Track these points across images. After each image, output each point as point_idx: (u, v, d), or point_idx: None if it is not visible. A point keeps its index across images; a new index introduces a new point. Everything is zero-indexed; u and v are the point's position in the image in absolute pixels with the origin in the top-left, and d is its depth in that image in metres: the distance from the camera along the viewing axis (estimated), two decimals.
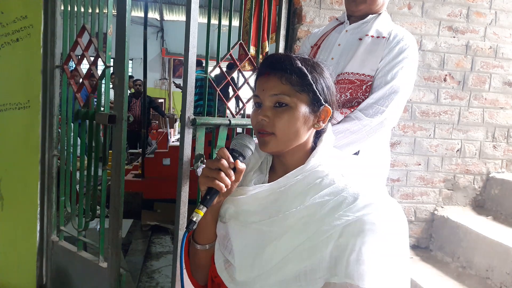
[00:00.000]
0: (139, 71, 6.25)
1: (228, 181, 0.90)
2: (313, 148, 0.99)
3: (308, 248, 0.85)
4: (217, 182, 0.89)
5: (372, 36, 1.59)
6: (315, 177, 0.92)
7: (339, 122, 1.53)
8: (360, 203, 0.85)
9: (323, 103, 0.95)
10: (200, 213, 0.89)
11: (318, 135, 1.01)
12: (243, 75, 2.34)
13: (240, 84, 2.31)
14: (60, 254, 2.28)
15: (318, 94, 0.94)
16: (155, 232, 4.22)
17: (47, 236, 2.29)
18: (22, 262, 2.28)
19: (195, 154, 2.16)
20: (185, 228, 0.92)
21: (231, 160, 0.91)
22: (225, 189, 0.90)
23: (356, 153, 1.57)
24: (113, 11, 2.04)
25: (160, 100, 8.83)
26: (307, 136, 0.97)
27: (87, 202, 2.14)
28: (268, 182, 1.01)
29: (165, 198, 4.60)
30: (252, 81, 2.34)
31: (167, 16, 11.46)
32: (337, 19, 1.76)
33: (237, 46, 2.27)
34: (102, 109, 1.97)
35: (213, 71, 2.24)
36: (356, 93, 1.57)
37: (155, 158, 4.80)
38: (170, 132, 6.47)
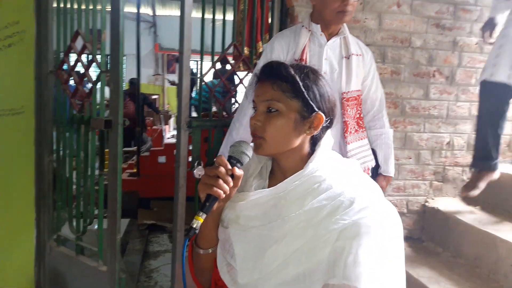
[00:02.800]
0: (132, 67, 6.16)
1: (226, 188, 0.93)
2: (311, 153, 1.02)
3: (306, 251, 0.89)
4: (215, 189, 0.91)
5: (357, 55, 1.81)
6: (313, 182, 0.96)
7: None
8: (356, 207, 0.89)
9: (315, 109, 0.98)
10: (200, 220, 0.92)
11: (315, 141, 1.04)
12: (237, 76, 2.36)
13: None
14: (58, 259, 2.29)
15: (309, 101, 0.97)
16: (152, 231, 4.20)
17: (45, 241, 2.30)
18: (20, 268, 2.28)
19: (191, 155, 2.19)
20: (184, 235, 0.95)
21: (229, 167, 0.93)
22: (224, 196, 0.93)
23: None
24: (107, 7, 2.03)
25: (154, 97, 8.77)
26: (299, 141, 1.00)
27: (84, 206, 2.15)
28: (268, 187, 1.04)
29: (162, 196, 4.57)
30: (246, 81, 2.37)
31: (160, 11, 11.31)
32: (304, 26, 1.78)
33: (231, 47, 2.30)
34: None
35: (211, 67, 2.25)
36: (359, 107, 1.85)
37: (150, 156, 4.79)
38: (164, 129, 6.44)
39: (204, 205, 0.93)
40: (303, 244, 0.90)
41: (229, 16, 2.22)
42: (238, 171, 0.95)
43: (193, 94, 8.10)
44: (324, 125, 1.00)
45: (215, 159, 0.96)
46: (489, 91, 2.31)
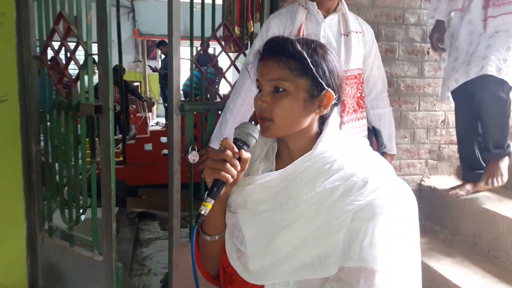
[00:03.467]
0: (114, 54, 6.01)
1: (234, 172, 0.89)
2: (319, 133, 0.99)
3: (321, 234, 0.86)
4: (223, 173, 0.88)
5: (356, 32, 1.76)
6: (324, 162, 0.92)
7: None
8: (370, 187, 0.86)
9: (325, 87, 0.93)
10: (208, 206, 0.89)
11: (323, 120, 1.00)
12: (229, 57, 2.29)
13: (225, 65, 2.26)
14: (51, 250, 2.23)
15: (319, 79, 0.92)
16: (142, 218, 4.17)
17: (36, 233, 2.23)
18: (12, 262, 2.22)
19: (185, 140, 2.13)
20: (194, 221, 0.91)
21: (236, 150, 0.89)
22: (232, 180, 0.89)
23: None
24: None
25: (135, 84, 8.61)
26: (309, 121, 0.96)
27: (76, 196, 2.08)
28: (275, 170, 1.00)
29: (149, 184, 4.55)
30: (239, 64, 2.30)
31: None
32: (300, 4, 1.74)
33: (221, 28, 2.22)
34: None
35: (202, 49, 2.17)
36: (360, 85, 1.80)
37: (136, 144, 4.73)
38: (148, 116, 6.34)
39: (212, 190, 0.89)
40: (317, 227, 0.87)
41: (219, 1, 2.13)
42: (246, 154, 0.91)
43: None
44: (333, 102, 0.96)
45: (220, 142, 0.91)
46: (461, 103, 2.29)
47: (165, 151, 4.57)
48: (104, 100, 1.74)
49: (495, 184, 2.16)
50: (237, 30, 2.27)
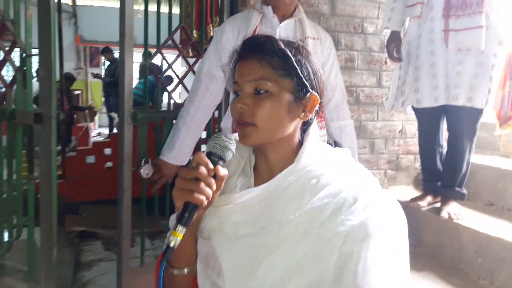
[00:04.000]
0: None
1: (210, 192, 0.75)
2: (300, 143, 0.89)
3: (311, 259, 0.76)
4: (197, 195, 0.73)
5: (314, 38, 1.70)
6: (309, 177, 0.83)
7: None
8: (361, 204, 0.78)
9: (309, 89, 0.84)
10: (178, 236, 0.73)
11: (304, 128, 0.90)
12: (187, 62, 2.13)
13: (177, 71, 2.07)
14: None
15: (303, 79, 0.83)
16: (83, 238, 3.82)
17: None
18: None
19: (137, 152, 1.93)
20: (162, 255, 0.75)
21: (210, 166, 0.76)
22: (206, 202, 0.75)
23: None
24: None
25: (76, 92, 8.10)
26: (292, 128, 0.86)
27: (9, 217, 1.81)
28: (254, 186, 0.88)
29: (91, 200, 4.22)
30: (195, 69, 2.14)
31: (80, 1, 10.54)
32: (255, 8, 1.68)
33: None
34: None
35: (157, 51, 1.99)
36: None
37: (77, 157, 4.37)
38: (90, 127, 5.96)
39: (182, 216, 0.74)
40: (306, 251, 0.76)
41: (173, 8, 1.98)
42: (223, 171, 0.77)
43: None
44: (316, 108, 0.87)
45: (191, 158, 0.76)
46: (421, 115, 2.28)
47: (109, 164, 4.27)
48: (45, 107, 1.52)
49: (454, 218, 2.14)
50: (195, 34, 2.12)
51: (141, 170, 1.81)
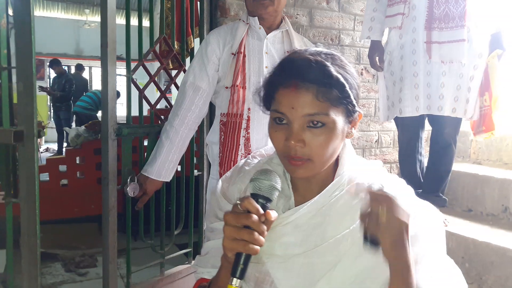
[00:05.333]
0: None
1: (263, 240, 0.69)
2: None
3: (369, 274, 0.75)
4: (251, 246, 0.68)
5: None
6: (357, 189, 0.81)
7: None
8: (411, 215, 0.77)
9: (357, 110, 0.82)
10: None
11: None
12: (169, 74, 2.04)
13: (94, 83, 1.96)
14: None
15: (354, 102, 0.80)
16: (41, 260, 3.55)
17: None
18: None
19: (122, 170, 1.81)
20: None
21: (261, 211, 0.70)
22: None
23: None
24: None
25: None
26: (341, 148, 0.84)
27: None
28: (295, 206, 0.84)
29: (47, 219, 3.93)
30: (179, 81, 2.05)
31: None
32: (241, 20, 1.67)
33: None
34: None
35: (140, 63, 1.89)
36: None
37: None
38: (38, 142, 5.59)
39: (236, 267, 0.68)
40: (363, 266, 0.75)
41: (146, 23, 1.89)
42: (274, 214, 0.71)
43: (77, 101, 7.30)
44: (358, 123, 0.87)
45: (239, 202, 0.70)
46: (402, 124, 2.34)
47: (64, 182, 4.02)
48: (26, 125, 1.37)
49: (446, 225, 2.19)
50: (176, 45, 2.03)
51: (128, 188, 1.69)
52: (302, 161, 0.77)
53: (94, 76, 11.21)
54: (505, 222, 2.20)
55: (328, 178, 0.84)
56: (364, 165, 0.88)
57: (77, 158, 4.11)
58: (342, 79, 0.77)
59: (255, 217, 0.68)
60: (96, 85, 10.90)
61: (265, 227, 0.70)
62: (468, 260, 2.00)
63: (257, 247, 0.68)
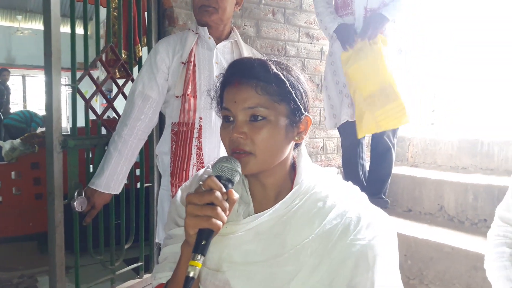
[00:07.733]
0: None
1: (225, 217, 0.72)
2: (292, 164, 0.90)
3: (327, 283, 0.77)
4: (214, 221, 0.70)
5: None
6: (315, 199, 0.83)
7: None
8: (364, 222, 0.81)
9: (303, 112, 0.85)
10: (197, 265, 0.69)
11: (295, 147, 0.91)
12: (116, 84, 1.99)
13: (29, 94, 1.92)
14: None
15: (298, 102, 0.83)
16: None
17: None
18: None
19: (68, 183, 1.74)
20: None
21: (224, 190, 0.73)
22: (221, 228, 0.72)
23: None
24: None
25: None
26: (288, 151, 0.86)
27: None
28: (254, 212, 0.86)
29: None
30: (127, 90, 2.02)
31: None
32: (190, 29, 1.68)
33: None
34: None
35: (85, 73, 1.83)
36: None
37: None
38: None
39: (199, 244, 0.70)
40: (321, 276, 0.77)
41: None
42: (235, 194, 0.75)
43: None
44: (309, 129, 0.89)
45: (202, 182, 0.72)
46: (343, 130, 2.46)
47: None
48: None
49: None
50: (124, 54, 2.00)
51: (75, 203, 1.63)
52: (244, 154, 0.80)
53: (28, 86, 10.54)
54: (441, 220, 2.36)
55: (285, 186, 0.86)
56: (320, 173, 0.91)
57: (13, 173, 3.86)
58: (282, 76, 0.81)
59: (218, 193, 0.71)
60: (30, 95, 10.32)
61: (227, 205, 0.72)
62: (410, 257, 2.13)
63: (220, 223, 0.71)
